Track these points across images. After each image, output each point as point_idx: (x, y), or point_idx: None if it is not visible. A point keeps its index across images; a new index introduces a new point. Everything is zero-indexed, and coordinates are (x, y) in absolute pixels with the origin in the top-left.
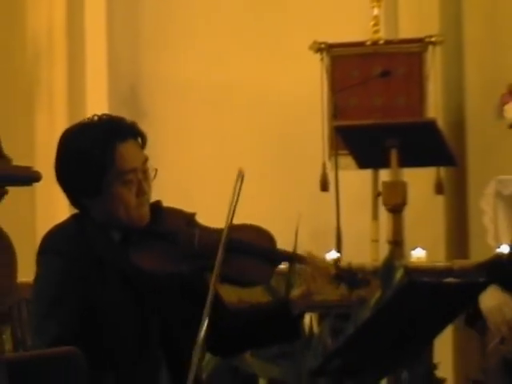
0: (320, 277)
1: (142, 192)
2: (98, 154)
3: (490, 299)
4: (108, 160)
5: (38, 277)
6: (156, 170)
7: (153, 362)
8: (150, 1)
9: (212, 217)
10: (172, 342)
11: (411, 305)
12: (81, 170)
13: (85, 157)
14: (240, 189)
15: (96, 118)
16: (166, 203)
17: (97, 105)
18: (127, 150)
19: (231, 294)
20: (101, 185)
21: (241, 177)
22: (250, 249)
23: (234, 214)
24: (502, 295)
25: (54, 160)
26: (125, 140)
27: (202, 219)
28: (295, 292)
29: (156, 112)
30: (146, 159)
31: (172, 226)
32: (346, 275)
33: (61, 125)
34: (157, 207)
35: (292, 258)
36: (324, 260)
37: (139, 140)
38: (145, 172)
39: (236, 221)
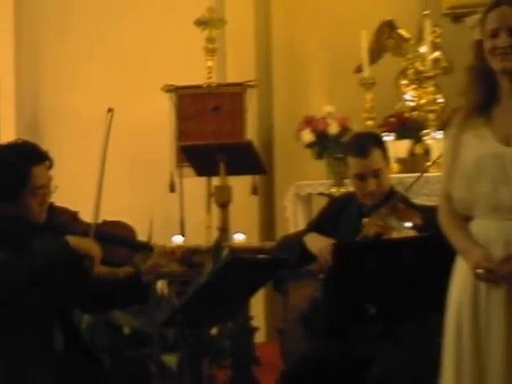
0: (165, 258)
1: (44, 202)
2: (21, 170)
3: (318, 243)
4: (26, 176)
5: None
6: (57, 186)
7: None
8: (50, 53)
9: (91, 214)
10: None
11: (234, 274)
12: (3, 179)
13: (9, 169)
14: (111, 121)
15: (20, 141)
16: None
17: (7, 131)
18: (40, 171)
19: (104, 269)
20: (17, 193)
21: (111, 112)
22: (118, 239)
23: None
24: (325, 239)
25: None
26: (39, 163)
27: (83, 216)
28: (144, 266)
29: (51, 135)
30: (50, 178)
31: (61, 221)
32: (185, 260)
33: None
34: (50, 207)
35: (146, 246)
36: (169, 248)
37: (47, 163)
38: (48, 187)
39: (106, 217)
